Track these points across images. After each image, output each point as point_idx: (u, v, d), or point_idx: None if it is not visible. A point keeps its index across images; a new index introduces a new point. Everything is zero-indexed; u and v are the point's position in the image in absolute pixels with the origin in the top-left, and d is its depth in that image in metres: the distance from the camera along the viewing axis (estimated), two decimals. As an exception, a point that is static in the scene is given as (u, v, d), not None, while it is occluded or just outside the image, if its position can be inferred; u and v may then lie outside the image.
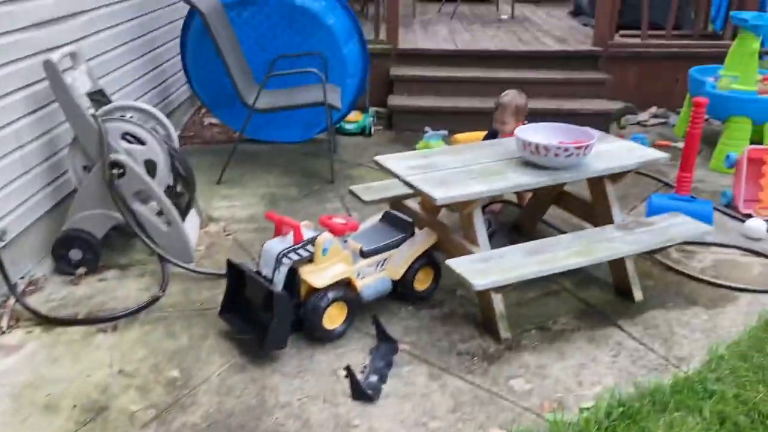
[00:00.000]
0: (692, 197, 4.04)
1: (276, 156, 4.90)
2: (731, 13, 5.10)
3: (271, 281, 2.63)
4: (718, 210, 3.96)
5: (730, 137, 4.68)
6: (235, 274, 2.75)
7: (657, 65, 6.00)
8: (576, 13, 8.01)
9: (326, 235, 2.66)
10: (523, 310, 2.97)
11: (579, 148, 2.78)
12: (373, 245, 2.85)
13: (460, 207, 2.69)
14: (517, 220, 3.74)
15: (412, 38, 6.38)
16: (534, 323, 2.88)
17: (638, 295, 3.02)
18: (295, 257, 2.63)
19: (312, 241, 2.67)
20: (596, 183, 3.03)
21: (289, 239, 2.68)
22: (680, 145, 5.20)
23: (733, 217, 3.93)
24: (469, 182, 2.71)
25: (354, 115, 5.41)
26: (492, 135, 3.78)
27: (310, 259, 2.66)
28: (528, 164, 2.90)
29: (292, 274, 2.65)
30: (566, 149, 2.76)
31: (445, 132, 5.14)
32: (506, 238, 3.65)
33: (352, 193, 3.29)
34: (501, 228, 3.71)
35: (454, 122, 5.47)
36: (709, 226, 3.13)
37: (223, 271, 2.94)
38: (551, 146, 2.77)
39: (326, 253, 2.64)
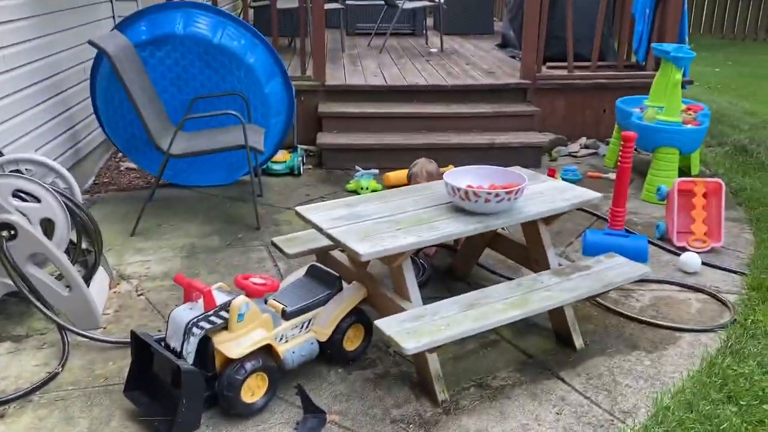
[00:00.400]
0: (627, 232, 3.99)
1: (197, 202, 4.61)
2: (653, 44, 5.16)
3: (179, 354, 2.35)
4: (653, 244, 3.91)
5: (659, 168, 4.69)
6: (141, 347, 2.46)
7: (584, 96, 6.04)
8: (503, 45, 8.07)
9: (242, 299, 2.41)
10: (461, 365, 2.78)
11: (510, 192, 2.64)
12: (296, 304, 2.62)
13: (388, 260, 2.50)
14: (451, 264, 3.58)
15: (340, 74, 6.23)
16: (473, 380, 2.69)
17: (579, 342, 2.88)
18: (207, 325, 2.37)
19: (226, 306, 2.41)
20: (530, 226, 2.90)
21: (199, 305, 2.42)
22: (612, 176, 5.21)
23: (668, 251, 3.89)
24: (396, 233, 2.52)
25: (282, 155, 5.19)
26: None
27: (225, 327, 2.41)
28: (458, 210, 2.74)
29: (205, 344, 2.38)
30: (497, 194, 2.62)
31: (376, 171, 4.97)
32: (441, 282, 3.48)
33: (274, 245, 3.05)
34: (435, 272, 3.54)
35: (385, 159, 5.33)
36: (644, 265, 3.03)
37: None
38: (481, 192, 2.62)
39: (242, 318, 2.40)
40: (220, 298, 2.44)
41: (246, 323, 2.41)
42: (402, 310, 2.52)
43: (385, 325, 2.33)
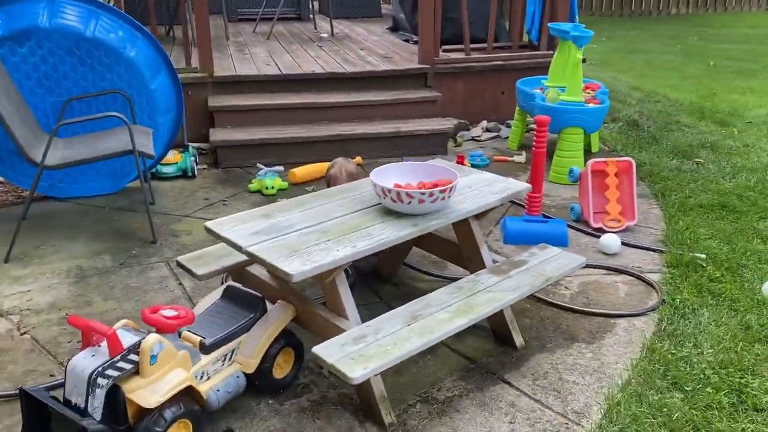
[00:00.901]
0: (544, 217, 3.94)
1: (80, 216, 4.09)
2: (550, 24, 5.16)
3: (84, 411, 1.98)
4: (572, 227, 3.88)
5: (565, 148, 4.70)
6: (34, 407, 2.05)
7: (483, 79, 5.99)
8: (394, 29, 7.90)
9: (153, 338, 2.06)
10: (403, 379, 2.58)
11: (444, 191, 2.44)
12: (216, 335, 2.30)
13: (320, 276, 2.23)
14: (376, 265, 3.36)
15: (228, 63, 5.81)
16: (417, 394, 2.49)
17: (519, 340, 2.76)
18: (114, 373, 2.01)
19: (135, 348, 2.06)
20: (461, 223, 2.72)
21: (103, 350, 2.05)
22: (517, 159, 5.19)
23: (586, 233, 3.87)
24: (328, 245, 2.26)
25: (172, 156, 4.73)
26: None
27: (136, 371, 2.06)
28: (390, 213, 2.52)
29: (114, 394, 2.02)
30: (431, 194, 2.41)
31: (281, 168, 4.65)
32: (367, 285, 3.26)
33: (181, 266, 2.69)
34: (359, 274, 3.31)
35: (287, 154, 5.02)
36: (578, 255, 2.96)
37: (15, 389, 2.22)
38: (415, 192, 2.41)
39: (156, 360, 2.05)
40: (126, 339, 2.08)
41: (160, 365, 2.07)
42: (339, 330, 2.27)
43: (325, 352, 2.07)
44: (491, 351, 2.76)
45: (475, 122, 6.02)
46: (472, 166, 5.00)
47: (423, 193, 2.41)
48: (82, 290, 3.23)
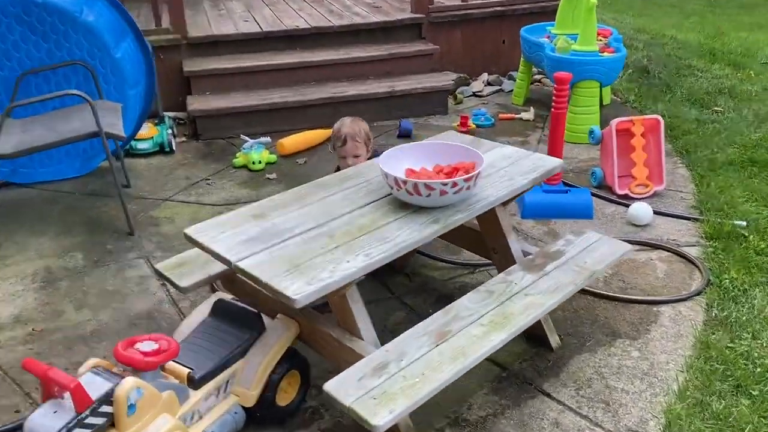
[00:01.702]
0: (565, 185, 3.56)
1: (48, 204, 3.66)
2: (556, -35, 4.66)
3: (49, 481, 1.62)
4: (595, 195, 3.51)
5: (579, 104, 4.28)
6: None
7: (482, 27, 5.49)
8: (381, -27, 7.30)
9: (129, 383, 1.69)
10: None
11: (469, 179, 2.05)
12: (206, 365, 1.94)
13: (330, 292, 1.85)
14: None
15: (203, 21, 5.28)
16: (446, 416, 2.16)
17: (554, 339, 2.42)
18: None
19: (108, 398, 1.68)
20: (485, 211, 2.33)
21: (67, 404, 1.67)
22: (525, 115, 4.77)
23: (612, 201, 3.50)
24: (336, 254, 1.87)
25: (147, 130, 4.27)
26: None
27: (113, 424, 1.69)
28: (404, 206, 2.13)
29: (87, 454, 1.66)
30: (455, 184, 2.02)
31: (268, 139, 4.21)
32: (376, 278, 2.88)
33: (162, 276, 2.30)
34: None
35: (273, 121, 4.57)
36: (622, 241, 2.59)
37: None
38: (435, 184, 2.01)
39: (134, 410, 1.68)
40: (97, 386, 1.70)
41: (140, 414, 1.71)
42: (353, 354, 1.91)
43: (341, 390, 1.71)
44: (524, 354, 2.41)
45: (475, 75, 5.56)
46: (477, 126, 4.59)
47: (445, 184, 2.02)
48: (51, 298, 2.83)
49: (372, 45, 5.15)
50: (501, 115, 4.79)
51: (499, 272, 2.50)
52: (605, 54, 4.32)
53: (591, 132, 3.66)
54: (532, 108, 4.81)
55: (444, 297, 2.75)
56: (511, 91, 5.29)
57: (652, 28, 7.34)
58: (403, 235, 1.96)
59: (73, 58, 3.51)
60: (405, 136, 4.48)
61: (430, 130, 4.61)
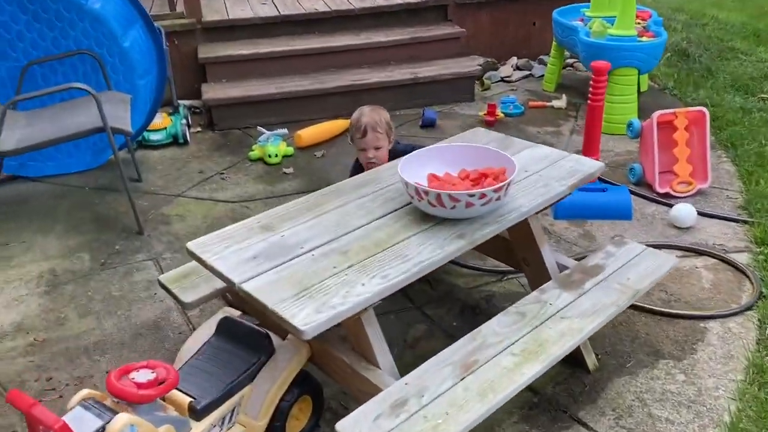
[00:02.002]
0: (602, 183, 3.32)
1: (56, 200, 3.52)
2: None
3: None
4: (633, 193, 3.26)
5: (616, 92, 4.00)
6: None
7: (511, 8, 5.21)
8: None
9: (121, 421, 1.52)
10: (448, 421, 2.05)
11: (499, 189, 1.83)
12: (209, 391, 1.77)
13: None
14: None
15: (219, 5, 5.07)
16: (470, 446, 1.97)
17: (591, 359, 2.21)
18: (71, 475, 1.49)
19: (98, 438, 1.52)
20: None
21: (54, 445, 1.51)
22: (556, 103, 4.50)
23: (652, 200, 3.25)
24: (349, 275, 1.68)
25: (160, 120, 4.10)
26: (357, 173, 2.77)
27: (103, 465, 1.54)
28: (426, 217, 1.92)
29: (75, 498, 1.51)
30: (483, 195, 1.81)
31: (285, 131, 4.02)
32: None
33: (164, 288, 2.14)
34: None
35: (291, 110, 4.37)
36: (668, 255, 2.36)
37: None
38: (461, 195, 1.80)
39: (128, 451, 1.52)
40: (85, 424, 1.54)
41: (135, 454, 1.55)
42: (368, 384, 1.72)
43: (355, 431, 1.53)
44: (557, 376, 2.21)
45: (503, 59, 5.29)
46: (505, 115, 4.35)
47: (471, 195, 1.81)
48: (54, 303, 2.70)
49: (395, 28, 4.91)
50: (531, 103, 4.53)
51: (531, 285, 2.31)
52: (644, 39, 4.03)
53: (630, 125, 3.40)
54: (564, 95, 4.54)
55: (469, 308, 2.55)
56: (542, 76, 5.02)
57: (690, 7, 6.95)
58: (425, 253, 1.77)
59: (80, 47, 3.34)
60: (429, 125, 4.26)
61: (455, 119, 4.38)
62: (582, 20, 4.49)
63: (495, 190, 1.82)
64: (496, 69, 5.11)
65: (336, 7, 4.90)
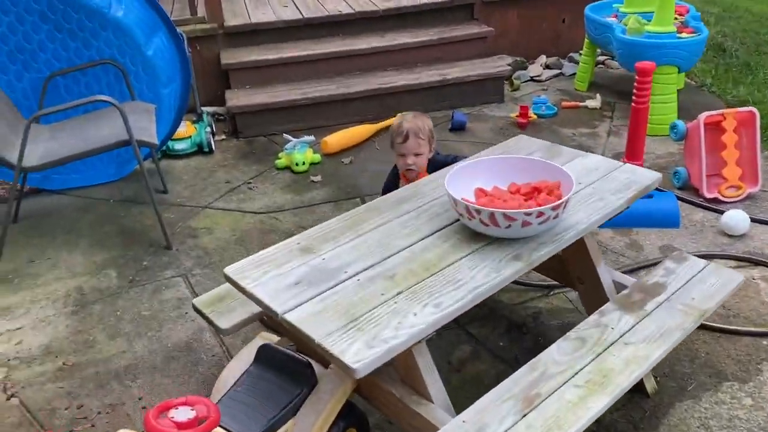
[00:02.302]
0: (646, 188, 3.16)
1: (80, 214, 3.44)
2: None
3: None
4: (682, 200, 3.11)
5: (656, 92, 3.81)
6: None
7: (540, 5, 5.06)
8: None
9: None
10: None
11: (558, 207, 1.71)
12: (251, 428, 1.66)
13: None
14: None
15: (240, 8, 4.97)
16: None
17: (651, 383, 2.07)
18: None
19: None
20: (569, 233, 1.99)
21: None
22: (590, 103, 4.35)
23: (700, 206, 3.10)
24: (399, 303, 1.56)
25: (184, 128, 4.01)
26: (393, 180, 2.67)
27: None
28: (476, 236, 1.80)
29: None
30: (540, 213, 1.68)
31: (312, 138, 3.91)
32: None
33: (199, 312, 2.04)
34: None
35: (316, 116, 4.27)
36: (734, 271, 2.22)
37: None
38: (517, 214, 1.68)
39: (168, 499, 1.42)
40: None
41: (176, 501, 1.44)
42: (421, 419, 1.61)
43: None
44: (615, 402, 2.07)
45: (532, 58, 5.14)
46: (538, 116, 4.20)
47: (528, 213, 1.68)
48: (83, 324, 2.61)
49: (420, 29, 4.78)
50: (564, 103, 4.38)
51: (585, 305, 2.18)
52: (684, 35, 3.86)
53: (674, 127, 3.25)
54: (598, 95, 4.39)
55: (515, 326, 2.42)
56: (573, 75, 4.87)
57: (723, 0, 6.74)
58: (479, 277, 1.64)
59: (103, 56, 3.26)
60: (458, 129, 4.13)
61: (485, 121, 4.24)
62: (616, 16, 4.33)
63: (553, 208, 1.70)
64: (525, 68, 4.96)
65: (360, 8, 4.78)
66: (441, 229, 1.86)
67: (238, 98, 4.28)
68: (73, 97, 3.32)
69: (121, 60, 3.26)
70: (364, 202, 3.36)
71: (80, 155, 2.82)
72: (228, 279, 1.74)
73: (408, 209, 1.98)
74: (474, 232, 1.81)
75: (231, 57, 4.46)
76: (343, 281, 1.66)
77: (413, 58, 4.63)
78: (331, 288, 1.64)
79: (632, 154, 2.99)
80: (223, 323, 1.95)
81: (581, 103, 4.36)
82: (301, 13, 4.74)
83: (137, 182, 3.72)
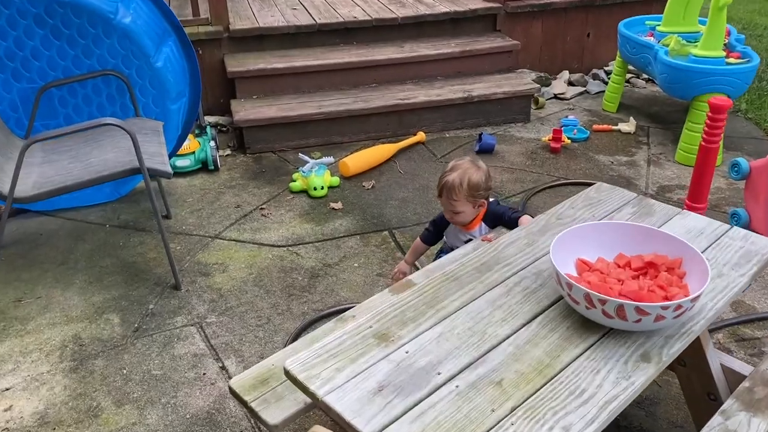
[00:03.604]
0: (708, 233, 2.89)
1: (74, 240, 3.06)
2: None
3: None
4: (745, 247, 2.85)
5: (699, 120, 3.57)
6: None
7: (565, 18, 4.78)
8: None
9: None
10: None
11: (696, 299, 1.41)
12: None
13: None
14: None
15: (245, 10, 4.60)
16: None
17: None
18: None
19: None
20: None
21: None
22: (624, 127, 4.09)
23: None
24: (515, 423, 1.25)
25: (187, 143, 3.64)
26: (438, 228, 2.37)
27: None
28: (588, 324, 1.50)
29: None
30: (678, 307, 1.38)
31: (330, 159, 3.57)
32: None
33: (239, 399, 1.70)
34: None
35: (330, 132, 3.94)
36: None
37: None
38: (652, 308, 1.37)
39: None
40: None
41: None
42: None
43: None
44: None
45: (554, 74, 4.87)
46: (570, 140, 3.92)
47: (665, 307, 1.38)
48: (84, 385, 2.24)
49: (440, 39, 4.46)
50: (595, 126, 4.11)
51: (686, 392, 1.89)
52: (732, 60, 3.61)
53: (735, 165, 2.98)
54: (631, 118, 4.12)
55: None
56: (598, 93, 4.61)
57: (736, 16, 6.55)
58: (607, 386, 1.33)
59: (105, 66, 2.88)
60: (486, 152, 3.83)
61: (513, 144, 3.95)
62: (652, 35, 4.07)
63: (692, 300, 1.40)
64: (549, 85, 4.68)
65: (376, 15, 4.45)
66: (542, 311, 1.55)
67: (245, 110, 3.91)
68: (69, 111, 2.95)
69: (126, 71, 2.88)
70: (393, 235, 3.05)
71: (82, 185, 2.45)
72: (290, 377, 1.41)
73: (493, 281, 1.67)
74: (584, 317, 1.50)
75: (237, 64, 4.09)
76: (439, 387, 1.34)
77: (433, 71, 4.32)
78: (426, 398, 1.32)
79: (696, 196, 2.73)
80: (273, 417, 1.61)
81: (614, 127, 4.09)
82: (313, 18, 4.38)
83: (136, 204, 3.35)
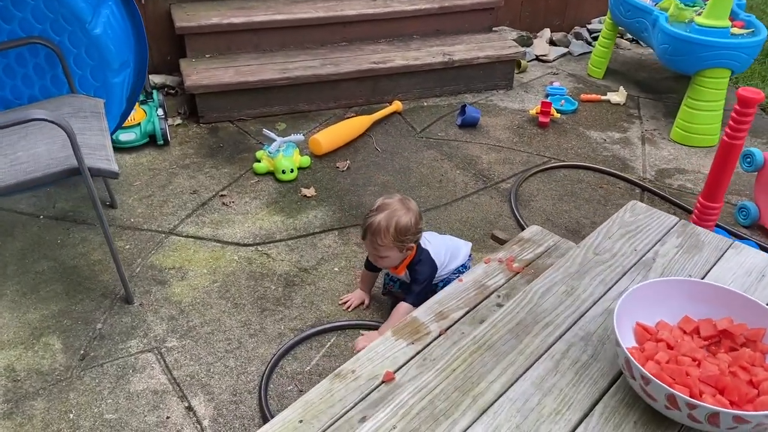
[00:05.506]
0: (729, 233, 2.68)
1: (3, 236, 2.60)
2: None
3: None
4: (765, 248, 2.64)
5: (701, 98, 3.32)
6: None
7: (548, -30, 4.39)
8: None
9: None
10: None
11: (802, 398, 1.15)
12: None
13: None
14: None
15: (193, -50, 4.01)
16: None
17: None
18: None
19: None
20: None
21: None
22: (613, 98, 3.80)
23: (777, 256, 2.65)
24: None
25: (132, 113, 3.15)
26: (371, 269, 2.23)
27: None
28: (653, 415, 1.23)
29: None
30: (783, 413, 1.12)
31: (300, 136, 3.15)
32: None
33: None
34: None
35: (297, 99, 3.53)
36: None
37: None
38: (755, 416, 1.11)
39: None
40: None
41: None
42: None
43: None
44: None
45: (534, 32, 4.50)
46: (557, 111, 3.61)
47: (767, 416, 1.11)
48: (21, 436, 1.88)
49: (416, -7, 4.02)
50: (583, 96, 3.80)
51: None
52: (737, 31, 3.33)
53: (748, 155, 2.75)
54: (621, 88, 3.83)
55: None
56: (582, 54, 4.29)
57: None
58: None
59: (30, 33, 2.36)
60: (469, 125, 3.49)
61: (497, 115, 3.62)
62: (653, 1, 3.74)
63: (797, 403, 1.14)
64: (530, 45, 4.32)
65: (345, -38, 3.95)
66: (601, 396, 1.27)
67: (197, 73, 3.42)
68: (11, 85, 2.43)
69: (56, 39, 2.37)
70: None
71: (5, 189, 1.99)
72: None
73: (537, 350, 1.36)
74: (653, 409, 1.23)
75: (186, 17, 3.56)
76: None
77: (409, 29, 3.89)
78: None
79: (712, 195, 2.48)
80: None
81: (603, 97, 3.79)
82: (273, -36, 3.85)
83: (73, 188, 2.89)
